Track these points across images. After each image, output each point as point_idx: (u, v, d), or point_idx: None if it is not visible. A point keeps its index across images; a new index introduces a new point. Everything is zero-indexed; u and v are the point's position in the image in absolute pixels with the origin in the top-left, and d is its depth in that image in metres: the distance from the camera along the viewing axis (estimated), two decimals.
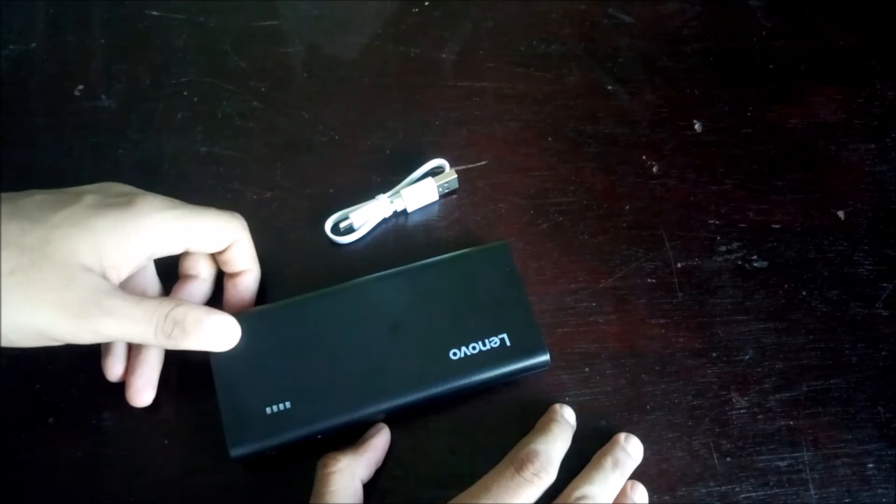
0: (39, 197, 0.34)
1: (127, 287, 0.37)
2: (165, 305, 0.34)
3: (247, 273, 0.40)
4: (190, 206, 0.37)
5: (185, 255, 0.40)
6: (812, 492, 0.38)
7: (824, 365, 0.42)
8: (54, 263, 0.32)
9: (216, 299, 0.41)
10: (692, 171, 0.47)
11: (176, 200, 0.36)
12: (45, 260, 0.32)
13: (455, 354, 0.38)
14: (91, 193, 0.34)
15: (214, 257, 0.40)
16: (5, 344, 0.32)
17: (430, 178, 0.45)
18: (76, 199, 0.34)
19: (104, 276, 0.33)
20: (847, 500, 0.38)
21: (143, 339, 0.34)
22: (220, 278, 0.41)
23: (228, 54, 0.50)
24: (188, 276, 0.40)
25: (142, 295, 0.36)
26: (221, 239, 0.38)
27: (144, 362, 0.38)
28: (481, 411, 0.39)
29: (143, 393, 0.38)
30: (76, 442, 0.38)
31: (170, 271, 0.40)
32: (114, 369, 0.38)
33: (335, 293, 0.39)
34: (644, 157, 0.48)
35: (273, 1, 0.52)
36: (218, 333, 0.36)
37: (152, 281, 0.40)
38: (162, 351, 0.39)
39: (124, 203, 0.34)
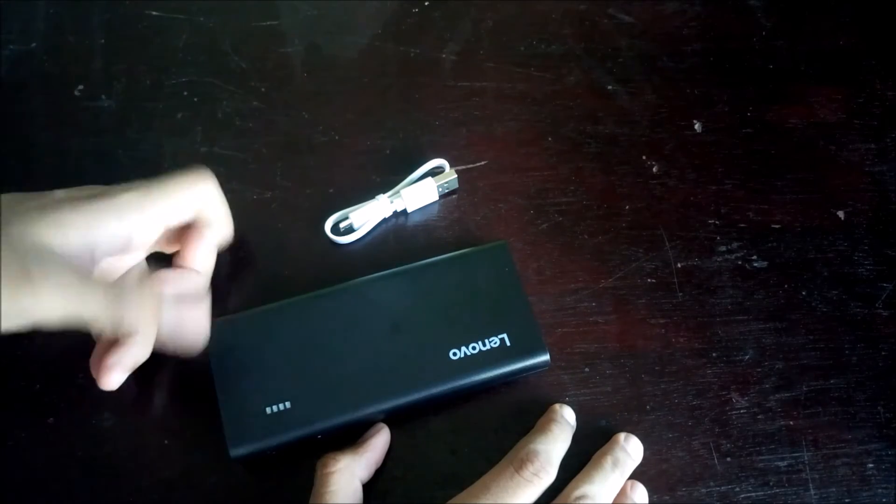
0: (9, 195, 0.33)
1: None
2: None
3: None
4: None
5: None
6: (812, 492, 0.38)
7: (824, 365, 0.42)
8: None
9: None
10: (692, 171, 0.47)
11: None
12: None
13: (455, 354, 0.38)
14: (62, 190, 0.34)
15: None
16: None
17: (429, 178, 0.45)
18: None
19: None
20: (847, 500, 0.38)
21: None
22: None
23: (228, 54, 0.50)
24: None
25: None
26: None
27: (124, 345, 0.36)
28: (481, 411, 0.39)
29: (111, 372, 0.35)
30: (76, 442, 0.38)
31: None
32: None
33: (335, 293, 0.39)
34: (644, 157, 0.48)
35: (273, 1, 0.52)
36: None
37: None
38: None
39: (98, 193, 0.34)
